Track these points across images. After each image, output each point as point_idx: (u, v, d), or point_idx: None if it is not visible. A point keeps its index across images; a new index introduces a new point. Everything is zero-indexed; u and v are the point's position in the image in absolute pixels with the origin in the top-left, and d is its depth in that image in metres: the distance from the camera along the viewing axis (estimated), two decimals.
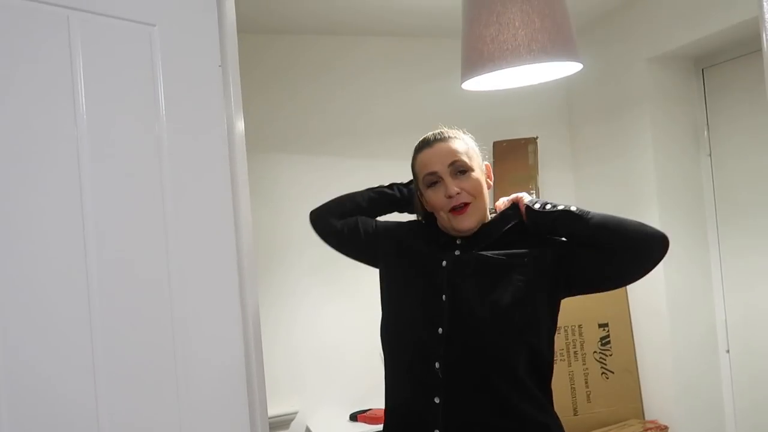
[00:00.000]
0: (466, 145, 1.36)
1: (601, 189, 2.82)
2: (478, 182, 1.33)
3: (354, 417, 2.53)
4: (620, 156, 2.72)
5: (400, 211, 1.59)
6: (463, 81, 1.58)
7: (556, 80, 3.05)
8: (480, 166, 1.37)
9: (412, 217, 1.55)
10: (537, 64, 1.48)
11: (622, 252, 1.23)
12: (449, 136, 1.37)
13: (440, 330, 1.26)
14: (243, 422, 1.03)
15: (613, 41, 2.75)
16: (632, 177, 2.65)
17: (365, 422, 2.47)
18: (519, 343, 1.26)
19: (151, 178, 0.94)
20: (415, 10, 2.56)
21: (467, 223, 1.31)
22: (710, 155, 2.61)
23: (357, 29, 2.72)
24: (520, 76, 1.62)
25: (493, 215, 1.40)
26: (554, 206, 1.32)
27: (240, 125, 1.18)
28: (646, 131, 2.60)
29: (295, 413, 2.53)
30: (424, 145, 1.38)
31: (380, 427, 2.45)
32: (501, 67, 1.44)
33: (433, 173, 1.33)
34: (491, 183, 1.41)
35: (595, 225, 1.25)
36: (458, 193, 1.29)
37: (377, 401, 2.62)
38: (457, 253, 1.33)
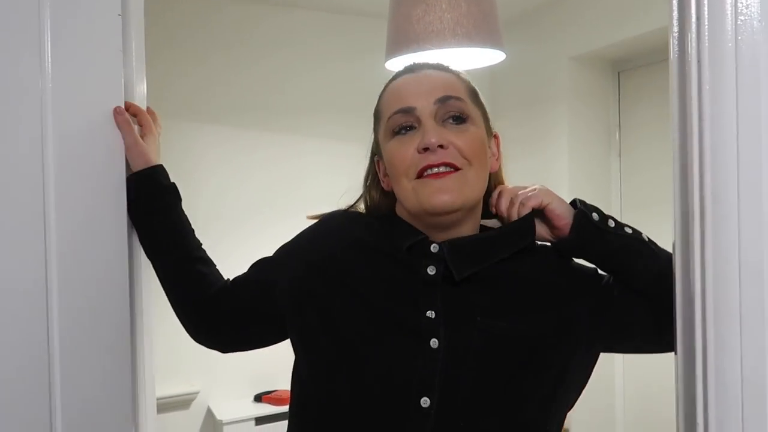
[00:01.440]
0: (471, 86, 0.90)
1: (517, 182, 2.88)
2: (479, 142, 0.84)
3: (258, 398, 2.48)
4: (536, 152, 2.78)
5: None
6: (387, 60, 1.55)
7: (480, 70, 3.08)
8: (486, 125, 0.89)
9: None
10: (461, 50, 1.48)
11: None
12: (447, 66, 0.90)
13: (425, 403, 0.78)
14: (125, 401, 0.95)
15: (539, 37, 2.80)
16: (546, 173, 2.72)
17: (270, 403, 2.43)
18: None
19: (30, 147, 0.82)
20: None
21: (445, 196, 0.80)
22: (620, 156, 2.73)
23: None
24: (444, 61, 1.61)
25: (490, 221, 0.92)
26: (618, 224, 0.87)
27: (141, 88, 1.07)
28: (562, 129, 2.67)
29: (196, 393, 2.44)
30: (406, 70, 0.90)
31: (286, 408, 2.43)
32: (425, 49, 1.42)
33: (408, 110, 0.83)
34: (498, 164, 0.92)
35: (667, 263, 0.73)
36: (441, 147, 0.80)
37: (283, 382, 2.59)
38: (431, 271, 0.82)
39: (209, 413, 2.47)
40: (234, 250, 2.45)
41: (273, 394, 2.46)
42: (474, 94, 0.89)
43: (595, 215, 0.86)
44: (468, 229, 0.86)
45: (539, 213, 0.88)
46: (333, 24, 2.73)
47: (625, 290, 0.86)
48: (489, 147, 0.88)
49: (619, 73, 2.72)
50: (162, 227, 0.95)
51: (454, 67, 0.91)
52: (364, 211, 0.95)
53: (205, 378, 2.43)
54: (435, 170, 0.81)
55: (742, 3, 0.68)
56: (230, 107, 2.53)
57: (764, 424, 0.70)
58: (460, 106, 0.84)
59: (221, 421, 2.31)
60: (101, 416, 0.93)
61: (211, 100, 2.50)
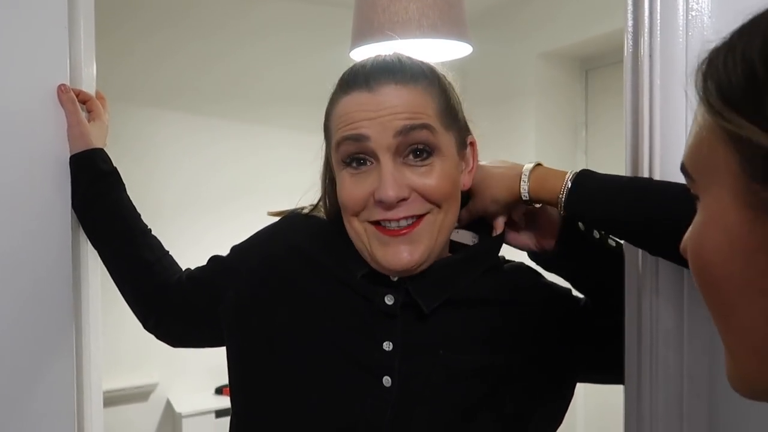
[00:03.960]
0: (443, 96, 0.73)
1: None
2: (449, 180, 0.71)
3: (219, 390, 2.44)
4: (503, 149, 2.79)
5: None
6: (352, 49, 1.53)
7: (447, 65, 3.06)
8: (456, 141, 0.74)
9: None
10: (427, 41, 1.46)
11: None
12: (410, 71, 0.71)
13: None
14: (67, 394, 0.92)
15: (507, 33, 2.80)
16: None
17: None
18: None
19: None
20: None
21: (403, 259, 0.68)
22: (586, 153, 2.75)
23: None
24: (410, 52, 1.60)
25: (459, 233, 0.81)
26: (602, 234, 0.80)
27: (90, 70, 1.02)
28: (529, 125, 2.68)
29: (155, 385, 2.40)
30: (360, 82, 0.70)
31: None
32: (390, 39, 1.40)
33: (360, 139, 0.68)
34: (471, 177, 0.78)
35: None
36: (403, 201, 0.68)
37: None
38: (389, 301, 0.72)
39: (168, 406, 2.43)
40: (200, 240, 2.40)
41: None
42: (446, 110, 0.72)
43: (580, 224, 0.79)
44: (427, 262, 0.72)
45: (531, 218, 0.81)
46: (301, 14, 2.69)
47: (604, 316, 0.80)
48: (462, 167, 0.75)
49: (587, 71, 2.74)
50: (101, 214, 0.91)
51: (420, 70, 0.72)
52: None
53: (164, 370, 2.38)
54: (394, 226, 0.68)
55: None
56: (199, 97, 2.48)
57: None
58: (426, 137, 0.68)
59: (180, 413, 2.28)
60: (41, 408, 0.90)
61: (179, 89, 2.45)
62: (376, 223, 0.69)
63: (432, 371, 0.72)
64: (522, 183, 0.75)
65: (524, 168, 0.77)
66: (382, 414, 0.70)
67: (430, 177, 0.68)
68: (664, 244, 0.65)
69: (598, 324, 0.80)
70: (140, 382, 2.33)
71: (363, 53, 1.54)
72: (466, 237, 0.82)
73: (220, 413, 2.33)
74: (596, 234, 0.80)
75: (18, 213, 0.85)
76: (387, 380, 0.70)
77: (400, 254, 0.68)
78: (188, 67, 2.46)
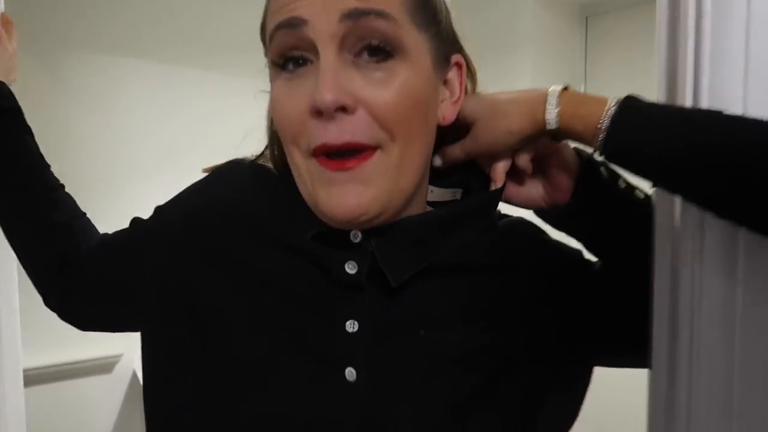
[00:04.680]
0: None
1: None
2: (413, 97, 0.52)
3: None
4: None
5: None
6: None
7: None
8: (433, 50, 0.55)
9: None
10: None
11: None
12: None
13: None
14: None
15: None
16: None
17: None
18: None
19: None
20: None
21: (355, 201, 0.51)
22: None
23: None
24: None
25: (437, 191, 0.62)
26: (629, 184, 0.63)
27: None
28: (525, 77, 2.49)
29: (119, 356, 2.23)
30: None
31: None
32: None
33: (295, 25, 0.50)
34: (453, 113, 0.58)
35: None
36: (344, 113, 0.50)
37: None
38: (350, 269, 0.54)
39: (135, 378, 2.27)
40: (155, 194, 2.22)
41: None
42: (420, 3, 0.53)
43: (602, 169, 0.61)
44: (414, 207, 0.57)
45: (539, 164, 0.61)
46: None
47: (623, 283, 0.62)
48: (442, 93, 0.57)
49: (587, 18, 2.54)
50: None
51: None
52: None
53: (128, 340, 2.21)
54: (334, 154, 0.50)
55: None
56: (155, 44, 2.25)
57: None
58: (386, 30, 0.49)
59: None
60: None
61: (137, 33, 2.21)
62: (315, 155, 0.51)
63: (410, 358, 0.54)
64: (548, 106, 0.56)
65: (550, 90, 0.57)
66: (344, 418, 0.51)
67: (385, 87, 0.50)
68: (752, 201, 0.46)
69: (617, 293, 0.63)
70: (103, 353, 2.16)
71: None
72: (446, 196, 0.63)
73: None
74: (622, 183, 0.62)
75: None
76: (351, 373, 0.52)
77: (347, 196, 0.50)
78: (143, 12, 2.22)
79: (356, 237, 0.55)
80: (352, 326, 0.53)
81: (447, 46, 0.58)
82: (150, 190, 2.18)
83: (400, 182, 0.53)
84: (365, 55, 0.50)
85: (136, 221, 0.69)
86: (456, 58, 0.60)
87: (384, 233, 0.55)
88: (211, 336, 0.55)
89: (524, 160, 0.60)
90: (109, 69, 2.15)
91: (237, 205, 0.60)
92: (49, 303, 0.73)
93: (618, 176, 0.63)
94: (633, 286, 0.61)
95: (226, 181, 0.63)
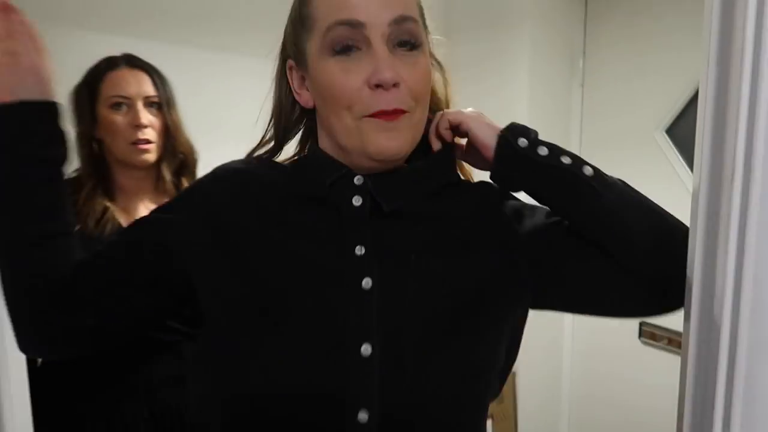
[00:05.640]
0: (419, 2, 0.76)
1: (471, 107, 2.66)
2: (428, 77, 0.74)
3: None
4: (494, 76, 2.55)
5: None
6: None
7: None
8: (429, 48, 0.77)
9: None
10: None
11: (649, 267, 0.70)
12: None
13: (366, 351, 0.67)
14: None
15: None
16: (504, 100, 2.51)
17: None
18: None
19: None
20: None
21: (394, 145, 0.70)
22: (582, 86, 2.53)
23: None
24: None
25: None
26: (552, 151, 0.74)
27: None
28: (523, 54, 2.44)
29: None
30: None
31: None
32: None
33: (356, 25, 0.67)
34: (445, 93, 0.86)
35: (613, 208, 0.71)
36: (395, 88, 0.68)
37: None
38: (356, 202, 0.73)
39: None
40: None
41: None
42: (422, 11, 0.76)
43: (522, 141, 0.74)
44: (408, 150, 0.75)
45: (469, 143, 0.81)
46: None
47: (562, 233, 0.75)
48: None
49: None
50: (42, 189, 0.71)
51: None
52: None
53: None
54: (389, 113, 0.69)
55: None
56: (161, 22, 2.18)
57: None
58: (415, 30, 0.71)
59: None
60: None
61: (141, 13, 2.14)
62: (375, 115, 0.69)
63: (407, 277, 0.70)
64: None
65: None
66: (370, 315, 0.67)
67: (416, 70, 0.71)
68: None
69: (561, 241, 0.75)
70: None
71: None
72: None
73: None
74: (542, 151, 0.74)
75: None
76: (367, 282, 0.69)
77: (392, 143, 0.70)
78: None
79: (359, 180, 0.73)
80: (360, 250, 0.70)
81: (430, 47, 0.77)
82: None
83: (416, 135, 0.74)
84: (401, 48, 0.70)
85: (140, 221, 0.77)
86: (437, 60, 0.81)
87: (377, 177, 0.73)
88: (251, 274, 0.69)
89: (445, 133, 0.80)
90: (109, 49, 2.08)
91: (250, 176, 0.76)
92: (42, 336, 0.72)
93: (541, 144, 0.74)
94: (580, 242, 0.74)
95: (231, 168, 0.78)
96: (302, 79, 0.76)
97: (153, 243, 0.73)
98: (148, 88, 1.27)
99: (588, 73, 2.51)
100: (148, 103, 1.27)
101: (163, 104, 1.28)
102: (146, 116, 1.25)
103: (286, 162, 0.81)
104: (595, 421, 2.60)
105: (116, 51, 1.37)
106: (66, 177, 0.76)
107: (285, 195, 0.74)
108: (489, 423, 2.39)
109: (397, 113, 0.69)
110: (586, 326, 2.60)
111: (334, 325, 0.67)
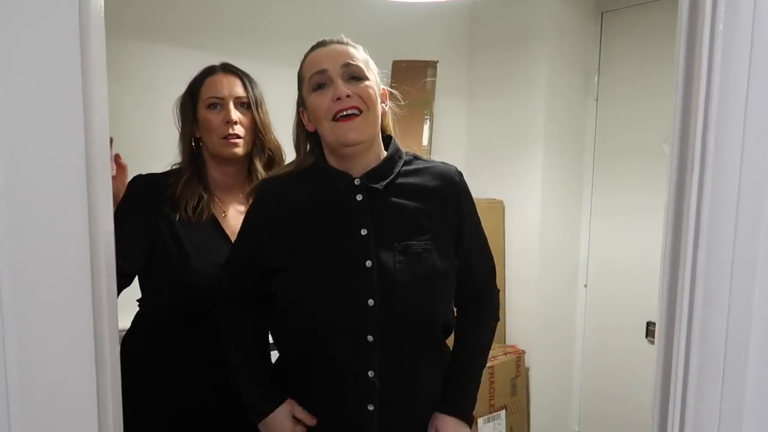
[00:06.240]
0: (365, 57, 1.21)
1: (493, 121, 2.84)
2: (373, 92, 1.15)
3: None
4: (514, 91, 2.73)
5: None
6: None
7: (461, 6, 2.93)
8: (377, 83, 1.20)
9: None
10: None
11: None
12: (347, 42, 1.20)
13: (371, 303, 1.13)
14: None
15: None
16: (523, 113, 2.68)
17: None
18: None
19: None
20: None
21: (354, 135, 1.12)
22: (597, 100, 2.69)
23: None
24: (344, 37, 1.53)
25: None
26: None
27: (98, 2, 0.92)
28: (541, 69, 2.60)
29: None
30: (318, 45, 1.21)
31: None
32: None
33: (322, 72, 1.14)
34: (386, 109, 1.23)
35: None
36: (348, 96, 1.12)
37: None
38: (359, 198, 1.16)
39: None
40: None
41: None
42: (367, 63, 1.19)
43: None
44: (373, 154, 1.20)
45: None
46: None
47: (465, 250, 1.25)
48: (380, 100, 1.20)
49: (602, 14, 2.64)
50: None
51: (352, 42, 1.22)
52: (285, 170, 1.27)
53: None
54: (345, 113, 1.13)
55: None
56: (201, 34, 2.38)
57: (744, 380, 0.69)
58: (359, 69, 1.16)
59: None
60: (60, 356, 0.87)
61: (187, 23, 2.34)
62: (336, 119, 1.13)
63: (394, 255, 1.14)
64: None
65: None
66: (371, 281, 1.12)
67: (363, 88, 1.15)
68: None
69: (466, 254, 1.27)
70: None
71: None
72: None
73: None
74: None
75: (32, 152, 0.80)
76: (369, 263, 1.13)
77: (352, 134, 1.13)
78: (189, 2, 2.35)
79: (358, 182, 1.17)
80: (363, 231, 1.14)
81: (377, 81, 1.20)
82: None
83: (370, 131, 1.16)
84: (352, 79, 1.15)
85: (236, 248, 1.29)
86: (384, 88, 1.24)
87: (368, 174, 1.17)
88: (298, 242, 1.17)
89: None
90: (155, 59, 2.29)
91: (280, 187, 1.23)
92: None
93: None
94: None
95: (267, 190, 1.24)
96: (306, 115, 1.21)
97: (251, 261, 1.23)
98: (239, 90, 1.42)
99: (602, 89, 2.67)
100: (239, 103, 1.41)
101: (252, 104, 1.42)
102: (236, 114, 1.39)
103: (302, 169, 1.23)
104: (603, 415, 2.74)
105: (209, 62, 1.54)
106: (170, 169, 0.97)
107: (309, 194, 1.20)
108: (503, 414, 2.55)
109: (352, 117, 1.12)
110: (596, 326, 2.75)
111: (351, 286, 1.12)
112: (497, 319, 1.35)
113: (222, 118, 1.38)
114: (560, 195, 2.67)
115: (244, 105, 1.42)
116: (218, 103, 1.39)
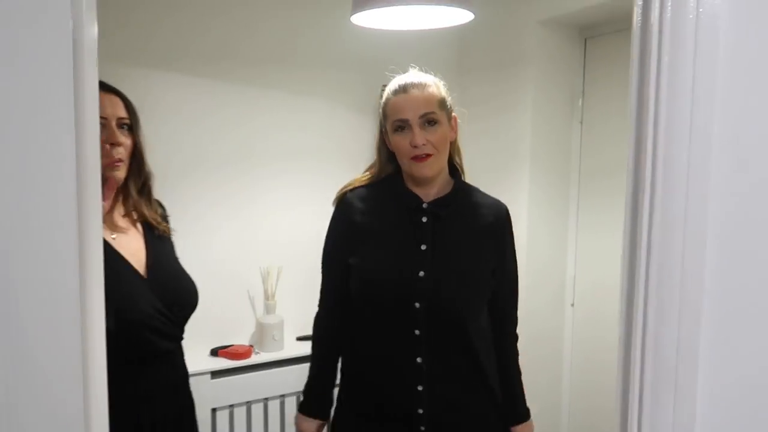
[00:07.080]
0: (440, 95, 1.41)
1: (481, 145, 2.89)
2: (444, 136, 1.40)
3: (215, 352, 2.48)
4: (501, 114, 2.79)
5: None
6: (353, 13, 1.51)
7: (449, 31, 3.00)
8: (448, 118, 1.43)
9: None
10: (429, 7, 1.45)
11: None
12: (425, 83, 1.40)
13: (417, 305, 1.39)
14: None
15: (508, 0, 2.77)
16: (510, 136, 2.74)
17: (227, 357, 2.43)
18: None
19: None
20: None
21: (427, 171, 1.40)
22: (581, 123, 2.75)
23: None
24: (412, 18, 1.58)
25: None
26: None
27: (92, 31, 0.96)
28: (527, 94, 2.67)
29: None
30: (400, 90, 1.41)
31: (241, 362, 2.44)
32: (392, 4, 1.39)
33: (404, 121, 1.38)
34: (455, 135, 1.47)
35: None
36: (423, 144, 1.37)
37: (240, 337, 2.59)
38: (425, 219, 1.43)
39: None
40: (188, 203, 2.43)
41: (230, 348, 2.47)
42: (442, 103, 1.42)
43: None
44: (441, 181, 1.47)
45: None
46: None
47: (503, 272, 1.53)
48: (450, 128, 1.44)
49: (586, 40, 2.72)
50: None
51: (429, 79, 1.43)
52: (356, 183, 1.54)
53: None
54: (420, 157, 1.39)
55: None
56: (198, 59, 2.44)
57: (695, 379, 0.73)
58: (434, 116, 1.39)
59: None
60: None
61: (183, 50, 2.40)
62: (412, 158, 1.40)
63: (446, 268, 1.41)
64: None
65: None
66: (422, 285, 1.39)
67: (435, 134, 1.40)
68: None
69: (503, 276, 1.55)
70: None
71: (364, 18, 1.52)
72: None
73: (215, 374, 2.37)
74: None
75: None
76: (422, 273, 1.40)
77: (425, 170, 1.41)
78: (187, 28, 2.42)
79: (426, 206, 1.44)
80: (424, 246, 1.42)
81: (450, 111, 1.45)
82: (181, 198, 2.38)
83: (439, 168, 1.44)
84: (427, 124, 1.39)
85: (326, 257, 1.57)
86: (454, 115, 1.47)
87: (434, 204, 1.44)
88: (369, 242, 1.46)
89: None
90: (156, 85, 2.34)
91: (355, 199, 1.51)
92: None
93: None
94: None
95: (345, 201, 1.52)
96: (388, 140, 1.46)
97: (341, 261, 1.49)
98: (121, 111, 1.38)
99: (586, 111, 2.74)
100: (121, 125, 1.36)
101: (134, 126, 1.39)
102: (119, 135, 1.34)
103: (378, 179, 1.52)
104: (592, 428, 2.76)
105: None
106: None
107: (382, 205, 1.48)
108: None
109: (425, 157, 1.38)
110: (583, 344, 2.78)
111: (404, 288, 1.39)
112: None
113: (104, 139, 1.29)
114: (547, 213, 2.72)
115: (124, 126, 1.36)
116: (102, 123, 1.29)
